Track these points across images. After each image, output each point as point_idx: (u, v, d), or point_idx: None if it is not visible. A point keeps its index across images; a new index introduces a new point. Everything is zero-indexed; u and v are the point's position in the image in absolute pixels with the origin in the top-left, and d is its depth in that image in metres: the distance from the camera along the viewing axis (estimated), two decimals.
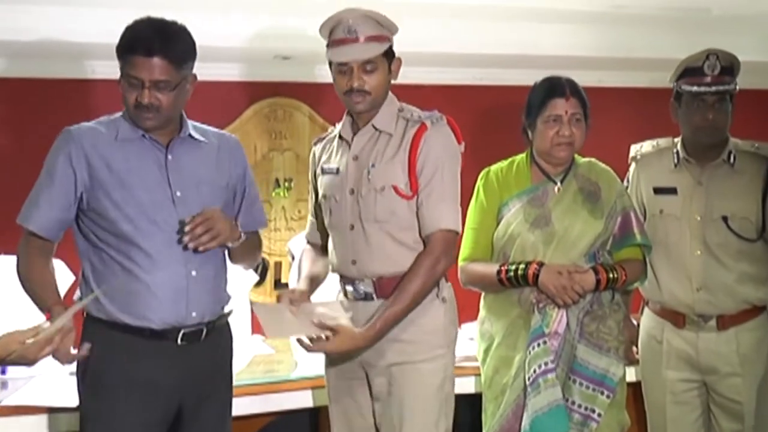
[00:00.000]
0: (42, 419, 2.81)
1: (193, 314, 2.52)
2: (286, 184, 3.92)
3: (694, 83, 3.05)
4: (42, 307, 2.47)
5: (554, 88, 2.93)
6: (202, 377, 2.58)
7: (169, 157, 2.53)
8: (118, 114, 2.56)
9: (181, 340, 2.51)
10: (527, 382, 2.83)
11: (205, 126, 2.69)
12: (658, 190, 3.21)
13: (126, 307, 2.46)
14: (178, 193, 2.51)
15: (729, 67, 3.04)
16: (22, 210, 2.51)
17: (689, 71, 3.06)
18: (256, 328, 3.98)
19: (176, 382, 2.52)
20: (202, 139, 2.62)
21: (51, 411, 2.81)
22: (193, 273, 2.52)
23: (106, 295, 2.46)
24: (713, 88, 3.02)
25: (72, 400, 2.73)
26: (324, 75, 3.93)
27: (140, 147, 2.51)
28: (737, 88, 3.06)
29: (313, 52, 3.59)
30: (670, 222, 3.15)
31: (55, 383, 2.96)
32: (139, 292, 2.46)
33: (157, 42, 2.41)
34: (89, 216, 2.49)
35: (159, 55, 2.41)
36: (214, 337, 2.61)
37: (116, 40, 2.47)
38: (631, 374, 3.17)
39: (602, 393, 2.87)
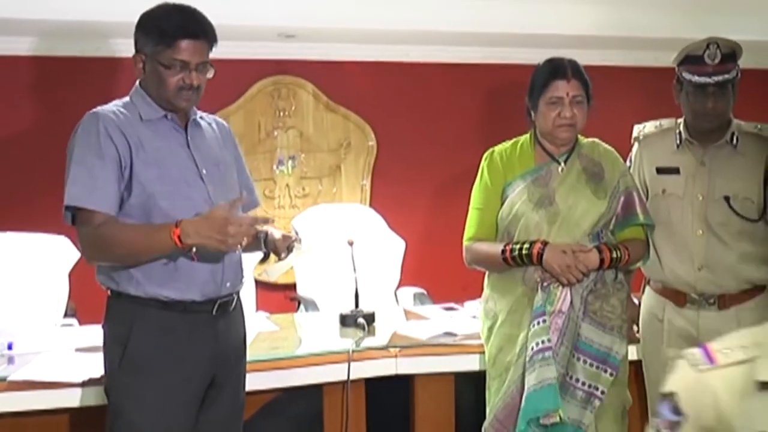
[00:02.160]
0: (48, 394, 2.82)
1: (228, 284, 2.59)
2: (291, 161, 3.93)
3: (694, 72, 3.05)
4: (166, 232, 2.39)
5: (556, 69, 2.93)
6: (231, 348, 2.65)
7: (189, 137, 2.60)
8: (126, 98, 2.60)
9: (216, 311, 2.56)
10: (526, 360, 2.86)
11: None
12: (660, 170, 3.21)
13: (167, 282, 2.49)
14: (204, 171, 2.58)
15: (730, 54, 3.02)
16: (73, 193, 2.45)
17: (690, 59, 3.06)
18: (260, 304, 4.01)
19: (211, 354, 2.57)
20: (206, 121, 2.71)
21: (58, 386, 2.82)
22: None
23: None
24: (713, 79, 3.01)
25: (78, 375, 2.76)
26: (329, 53, 3.95)
27: (164, 127, 2.57)
28: (739, 72, 3.05)
29: (318, 30, 3.59)
30: (672, 201, 3.16)
31: (62, 359, 2.99)
32: (181, 267, 2.49)
33: (201, 25, 2.53)
34: (124, 194, 2.49)
35: (203, 38, 2.53)
36: (238, 307, 2.70)
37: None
38: (632, 352, 3.19)
39: (605, 371, 2.89)
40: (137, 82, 2.61)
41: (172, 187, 2.50)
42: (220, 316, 2.59)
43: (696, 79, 3.04)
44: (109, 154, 2.46)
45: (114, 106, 2.57)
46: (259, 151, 3.87)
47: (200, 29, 2.53)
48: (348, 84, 4.00)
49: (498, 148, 3.08)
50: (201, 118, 2.70)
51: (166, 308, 2.49)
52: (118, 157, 2.47)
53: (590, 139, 3.07)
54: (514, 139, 3.09)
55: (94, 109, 2.54)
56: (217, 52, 3.57)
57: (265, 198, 3.85)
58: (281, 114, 3.89)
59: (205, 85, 2.58)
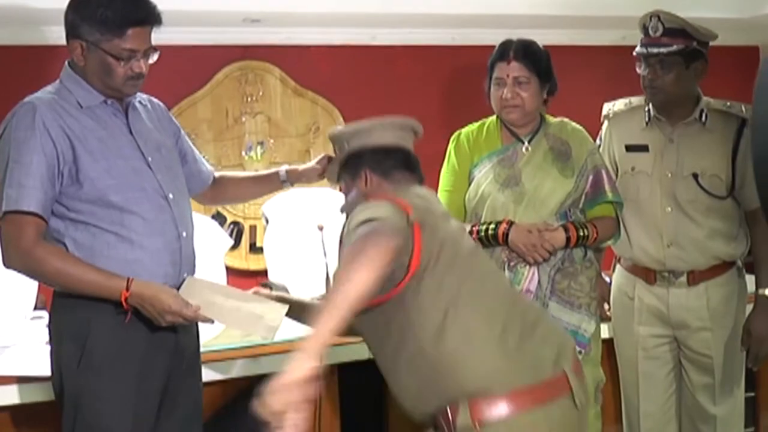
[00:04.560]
0: (15, 389, 2.79)
1: (185, 275, 2.51)
2: (259, 147, 3.91)
3: (641, 43, 3.10)
4: (115, 290, 2.33)
5: (502, 51, 3.00)
6: (188, 341, 2.57)
7: (130, 122, 2.49)
8: (57, 83, 2.46)
9: None
10: None
11: None
12: (629, 148, 3.23)
13: (129, 276, 2.37)
14: (150, 159, 2.48)
15: (675, 28, 3.04)
16: (9, 194, 2.31)
17: (642, 30, 3.10)
18: None
19: (171, 348, 2.49)
20: (141, 103, 2.59)
21: (23, 381, 2.78)
22: (184, 234, 2.51)
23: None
24: (649, 50, 3.06)
25: (49, 369, 2.72)
26: (295, 37, 3.92)
27: (104, 114, 2.45)
28: (692, 48, 3.04)
29: (284, 13, 3.56)
30: (641, 179, 3.18)
31: (31, 352, 2.96)
32: (142, 260, 2.40)
33: (147, 10, 2.40)
34: (69, 191, 2.37)
35: (150, 24, 2.41)
36: None
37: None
38: (605, 330, 3.21)
39: None
40: (67, 65, 2.46)
41: (122, 180, 2.40)
42: None
43: (638, 49, 3.10)
44: (45, 152, 2.32)
45: (48, 94, 2.42)
46: (227, 137, 3.83)
47: (148, 14, 2.39)
48: (315, 68, 3.96)
49: (465, 130, 3.10)
50: (139, 101, 2.58)
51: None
52: (56, 154, 2.33)
53: (558, 119, 3.09)
54: (481, 121, 3.11)
55: (28, 100, 2.39)
56: (182, 39, 3.57)
57: None
58: (249, 99, 3.85)
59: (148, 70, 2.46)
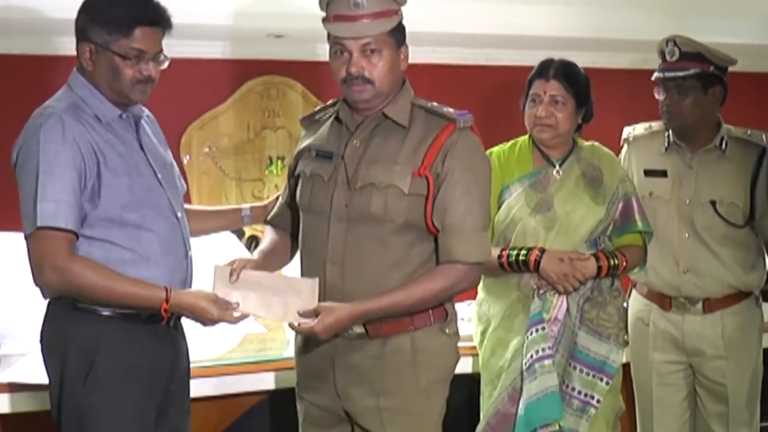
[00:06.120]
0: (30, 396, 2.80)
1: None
2: (279, 162, 3.93)
3: (658, 68, 3.11)
4: (155, 302, 2.32)
5: (541, 69, 2.97)
6: (183, 356, 2.55)
7: (140, 137, 2.46)
8: (66, 90, 2.40)
9: (176, 320, 2.46)
10: (524, 368, 2.84)
11: None
12: (648, 173, 3.23)
13: None
14: (160, 176, 2.45)
15: (692, 52, 3.04)
16: (45, 209, 2.25)
17: (660, 55, 3.11)
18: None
19: (170, 364, 2.47)
20: (146, 115, 2.56)
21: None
22: (189, 253, 2.51)
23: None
24: (665, 74, 3.07)
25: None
26: (318, 53, 3.95)
27: (120, 128, 2.41)
28: (708, 72, 3.04)
29: (307, 30, 3.58)
30: (659, 204, 3.17)
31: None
32: (157, 278, 2.36)
33: (157, 11, 2.37)
34: (86, 207, 2.31)
35: (160, 25, 2.38)
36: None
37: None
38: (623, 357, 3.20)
39: (602, 380, 2.89)
40: (76, 72, 2.41)
41: (140, 197, 2.37)
42: (175, 326, 2.48)
43: (656, 75, 3.10)
44: (75, 165, 2.27)
45: (62, 103, 2.35)
46: (248, 151, 3.85)
47: (157, 15, 2.36)
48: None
49: (496, 149, 3.04)
50: (147, 115, 2.54)
51: (131, 320, 2.36)
52: (84, 169, 2.29)
53: (590, 143, 3.07)
54: (513, 141, 3.06)
55: (52, 111, 2.32)
56: (205, 53, 3.59)
57: (253, 198, 3.83)
58: (270, 114, 3.87)
59: (158, 76, 2.41)
